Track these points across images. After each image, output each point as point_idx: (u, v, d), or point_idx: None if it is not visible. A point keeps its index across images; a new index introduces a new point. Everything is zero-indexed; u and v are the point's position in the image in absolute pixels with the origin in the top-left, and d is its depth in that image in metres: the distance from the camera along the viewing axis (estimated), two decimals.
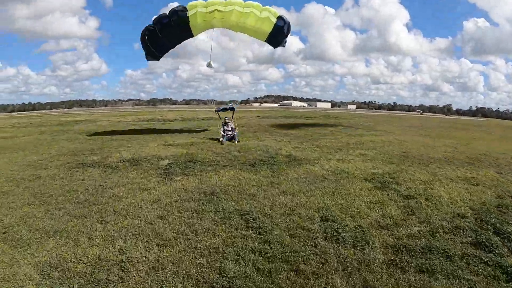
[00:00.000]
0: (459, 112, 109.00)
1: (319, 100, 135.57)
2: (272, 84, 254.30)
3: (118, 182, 6.90)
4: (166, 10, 12.45)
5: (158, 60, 14.20)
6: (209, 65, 13.25)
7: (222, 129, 11.99)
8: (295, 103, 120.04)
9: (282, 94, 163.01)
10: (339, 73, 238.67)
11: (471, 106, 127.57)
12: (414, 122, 31.41)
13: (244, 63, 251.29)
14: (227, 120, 12.47)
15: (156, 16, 12.64)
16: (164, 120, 26.19)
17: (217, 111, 13.97)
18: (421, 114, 76.25)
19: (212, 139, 12.41)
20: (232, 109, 14.03)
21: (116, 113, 39.84)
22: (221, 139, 11.41)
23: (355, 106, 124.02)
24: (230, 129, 12.09)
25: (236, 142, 11.38)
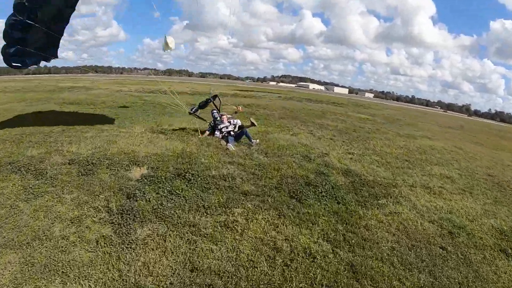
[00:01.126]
0: (477, 113, 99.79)
1: (337, 85, 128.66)
2: (290, 64, 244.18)
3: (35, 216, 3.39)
4: None
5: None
6: (166, 47, 7.43)
7: (218, 132, 7.20)
8: (312, 85, 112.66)
9: (299, 75, 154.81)
10: (358, 59, 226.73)
11: (490, 109, 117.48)
12: (447, 121, 27.24)
13: (264, 40, 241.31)
14: (216, 115, 7.51)
15: None
16: (171, 92, 20.40)
17: (192, 112, 7.87)
18: (443, 111, 70.21)
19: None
20: (209, 100, 7.98)
21: (120, 81, 36.31)
22: (224, 145, 6.61)
23: (372, 95, 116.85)
24: (230, 124, 7.24)
25: (254, 143, 6.89)
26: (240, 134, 6.92)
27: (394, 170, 6.34)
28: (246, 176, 4.98)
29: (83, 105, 12.68)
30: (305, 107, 18.72)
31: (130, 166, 4.97)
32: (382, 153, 7.86)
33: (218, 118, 7.29)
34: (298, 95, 31.09)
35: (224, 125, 7.18)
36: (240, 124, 7.09)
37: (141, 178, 4.54)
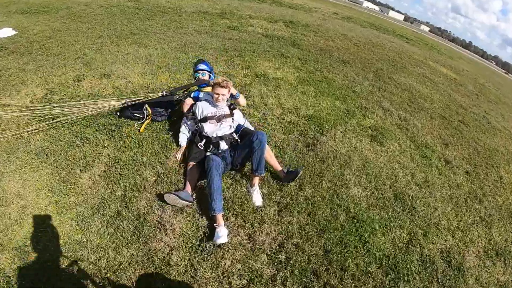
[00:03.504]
0: None
1: (392, 9, 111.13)
2: None
3: None
4: None
5: None
6: None
7: (201, 147, 2.89)
8: (366, 3, 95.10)
9: None
10: None
11: None
12: None
13: None
14: (223, 110, 3.00)
15: None
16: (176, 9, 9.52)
17: (164, 97, 3.39)
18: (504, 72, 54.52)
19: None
20: (204, 85, 3.37)
21: None
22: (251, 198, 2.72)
23: (428, 29, 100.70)
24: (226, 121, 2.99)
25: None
26: (248, 147, 2.72)
27: None
28: None
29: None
30: (373, 40, 11.82)
31: None
32: None
33: (204, 100, 3.04)
34: (357, 15, 22.65)
35: (216, 125, 2.92)
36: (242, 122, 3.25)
37: None
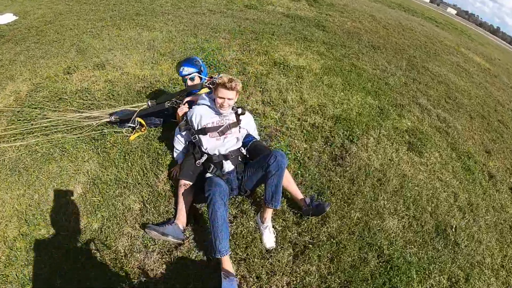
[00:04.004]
0: None
1: None
2: None
3: None
4: None
5: None
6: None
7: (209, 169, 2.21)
8: None
9: None
10: None
11: None
12: None
13: None
14: (229, 119, 2.25)
15: None
16: None
17: (150, 108, 2.75)
18: None
19: None
20: (195, 91, 2.64)
21: None
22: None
23: (455, 12, 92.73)
24: (231, 132, 2.26)
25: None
26: (261, 171, 2.04)
27: None
28: None
29: None
30: (402, 22, 10.30)
31: None
32: None
33: (203, 105, 2.25)
34: None
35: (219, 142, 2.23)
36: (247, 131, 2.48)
37: None
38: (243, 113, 2.34)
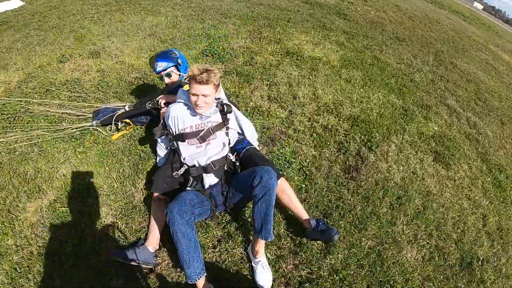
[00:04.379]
0: None
1: None
2: None
3: None
4: None
5: None
6: None
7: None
8: None
9: None
10: None
11: None
12: None
13: None
14: (211, 121, 1.84)
15: None
16: None
17: (128, 111, 2.44)
18: None
19: None
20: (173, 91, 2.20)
21: None
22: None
23: (481, 7, 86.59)
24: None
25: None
26: (248, 192, 1.66)
27: None
28: None
29: None
30: (429, 14, 9.06)
31: None
32: None
33: (180, 102, 1.86)
34: None
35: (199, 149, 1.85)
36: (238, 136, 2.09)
37: None
38: (228, 111, 1.89)
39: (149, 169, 2.19)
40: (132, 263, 1.63)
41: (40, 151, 2.32)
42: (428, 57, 5.34)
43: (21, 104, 2.72)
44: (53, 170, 2.18)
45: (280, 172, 1.97)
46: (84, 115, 2.53)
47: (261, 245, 1.71)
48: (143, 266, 1.66)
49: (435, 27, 7.99)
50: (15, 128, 2.50)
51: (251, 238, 1.85)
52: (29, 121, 2.54)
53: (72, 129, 2.43)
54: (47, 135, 2.41)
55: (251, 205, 1.68)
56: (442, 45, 6.52)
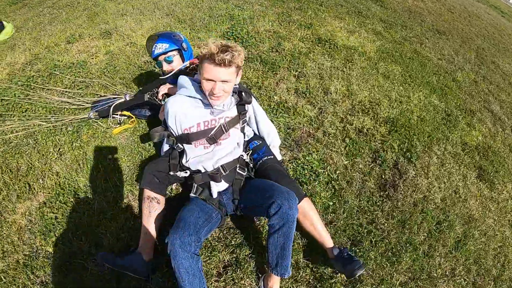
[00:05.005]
0: None
1: None
2: None
3: None
4: None
5: None
6: None
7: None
8: None
9: None
10: None
11: None
12: None
13: None
14: (224, 116, 1.46)
15: None
16: None
17: (128, 101, 2.11)
18: None
19: None
20: (173, 81, 1.90)
21: None
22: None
23: None
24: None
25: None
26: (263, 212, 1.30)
27: None
28: None
29: None
30: (468, 8, 7.89)
31: None
32: None
33: (181, 94, 1.48)
34: None
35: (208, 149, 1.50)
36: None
37: None
38: (247, 101, 1.49)
39: None
40: (122, 270, 1.37)
41: (35, 143, 2.08)
42: (469, 54, 4.63)
43: (21, 90, 2.49)
44: (46, 167, 1.94)
45: (303, 192, 1.59)
46: (83, 105, 2.25)
47: (275, 281, 1.38)
48: (132, 274, 1.38)
49: (475, 21, 7.04)
50: (13, 116, 2.28)
51: (265, 267, 1.52)
52: (28, 108, 2.31)
53: (70, 120, 2.15)
54: (43, 125, 2.16)
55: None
56: (483, 41, 5.70)
